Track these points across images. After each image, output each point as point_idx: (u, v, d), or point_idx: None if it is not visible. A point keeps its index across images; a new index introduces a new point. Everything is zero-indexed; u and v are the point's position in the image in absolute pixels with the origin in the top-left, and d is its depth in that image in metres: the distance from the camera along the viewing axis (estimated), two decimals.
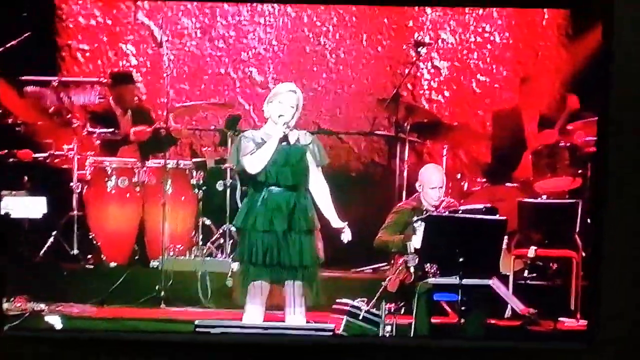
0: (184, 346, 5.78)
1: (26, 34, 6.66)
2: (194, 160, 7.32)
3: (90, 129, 7.13)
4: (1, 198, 6.13)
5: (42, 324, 6.00)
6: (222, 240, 6.97)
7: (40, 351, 5.80)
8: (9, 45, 6.36)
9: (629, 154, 5.79)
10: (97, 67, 7.73)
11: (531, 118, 7.25)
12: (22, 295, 6.14)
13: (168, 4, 7.70)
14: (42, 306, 6.16)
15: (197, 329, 5.64)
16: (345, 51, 7.84)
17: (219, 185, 6.93)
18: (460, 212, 6.05)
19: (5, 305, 5.88)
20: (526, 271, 6.67)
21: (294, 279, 5.59)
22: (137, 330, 6.06)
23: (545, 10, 7.39)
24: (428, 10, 7.75)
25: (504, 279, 6.19)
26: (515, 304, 6.10)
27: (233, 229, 6.41)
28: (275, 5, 7.71)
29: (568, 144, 6.94)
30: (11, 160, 6.73)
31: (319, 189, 5.70)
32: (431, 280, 5.90)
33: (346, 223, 5.69)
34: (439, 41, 7.81)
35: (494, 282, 5.90)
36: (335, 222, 5.70)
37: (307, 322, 5.66)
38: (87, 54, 7.77)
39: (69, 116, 7.16)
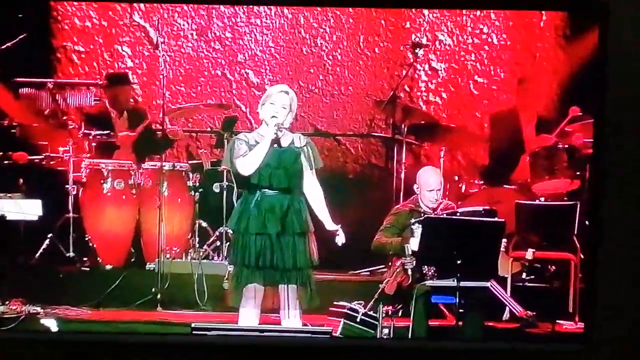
0: (180, 349, 5.76)
1: (22, 36, 6.64)
2: (190, 162, 7.31)
3: (86, 131, 7.10)
4: None
5: (37, 327, 5.97)
6: (218, 243, 6.96)
7: (36, 354, 5.76)
8: (4, 47, 6.34)
9: (627, 155, 5.79)
10: (92, 69, 7.71)
11: (529, 120, 7.24)
12: (17, 298, 6.11)
13: (164, 5, 7.68)
14: (38, 309, 6.13)
15: (194, 332, 5.61)
16: (342, 53, 7.83)
17: (216, 187, 6.91)
18: (458, 214, 6.03)
19: (0, 308, 5.86)
20: (524, 273, 6.65)
21: (287, 281, 5.55)
22: (134, 332, 6.03)
23: (542, 12, 7.38)
24: (425, 11, 7.73)
25: (502, 281, 6.18)
26: (513, 306, 6.09)
27: (230, 231, 6.38)
28: (272, 6, 7.69)
29: (566, 146, 6.93)
30: (6, 162, 6.71)
31: (313, 191, 5.64)
32: (429, 282, 5.87)
33: (340, 226, 5.64)
34: (437, 43, 7.80)
35: (492, 285, 5.88)
36: (329, 224, 5.64)
37: (304, 324, 5.63)
38: (83, 56, 7.75)
39: (64, 118, 7.15)
